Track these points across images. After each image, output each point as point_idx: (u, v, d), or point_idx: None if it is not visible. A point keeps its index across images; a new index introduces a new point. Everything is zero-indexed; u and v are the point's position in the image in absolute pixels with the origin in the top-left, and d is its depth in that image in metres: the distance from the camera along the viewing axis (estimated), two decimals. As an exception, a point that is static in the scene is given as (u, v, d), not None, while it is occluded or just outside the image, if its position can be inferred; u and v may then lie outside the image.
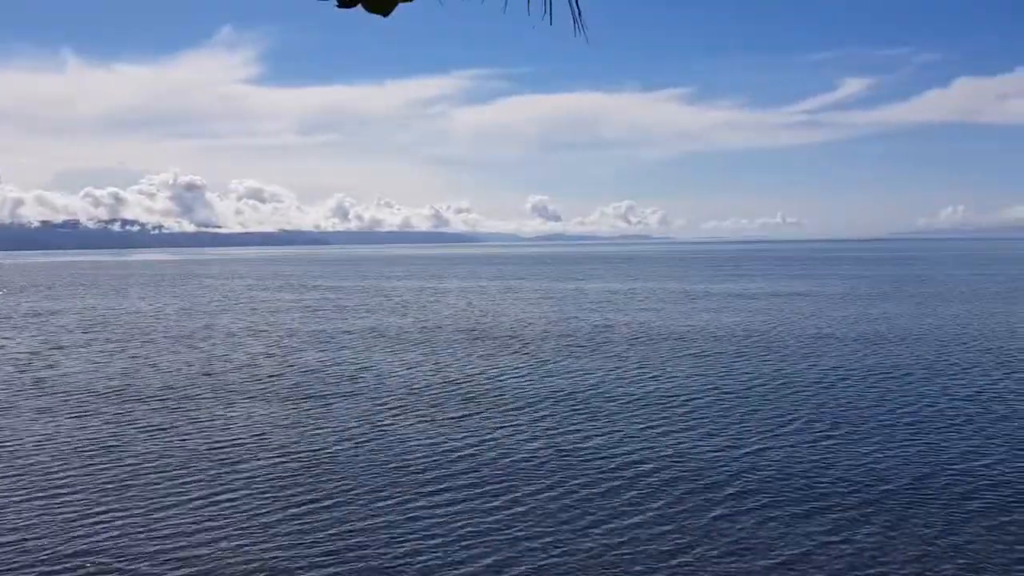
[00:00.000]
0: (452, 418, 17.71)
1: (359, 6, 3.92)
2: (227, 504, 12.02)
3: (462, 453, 14.68)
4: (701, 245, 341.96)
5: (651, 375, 22.44)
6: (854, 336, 29.67)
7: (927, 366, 23.17)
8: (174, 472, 13.60)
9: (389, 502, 12.10)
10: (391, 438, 15.83)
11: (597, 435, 15.79)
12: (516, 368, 24.01)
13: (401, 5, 4.15)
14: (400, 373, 23.35)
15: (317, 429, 16.62)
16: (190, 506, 11.93)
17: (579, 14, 4.22)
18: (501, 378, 22.36)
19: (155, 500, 12.20)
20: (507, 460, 14.22)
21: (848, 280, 66.16)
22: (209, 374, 23.40)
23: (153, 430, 16.57)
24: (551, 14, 4.10)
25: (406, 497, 12.31)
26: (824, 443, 14.98)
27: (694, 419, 17.16)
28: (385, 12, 4.11)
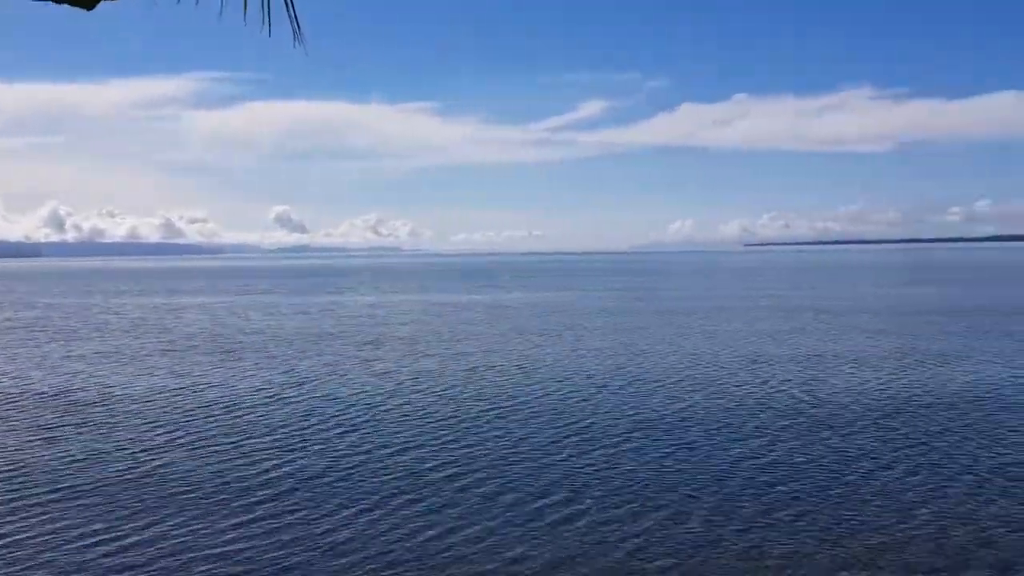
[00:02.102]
0: (191, 440, 15.26)
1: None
2: None
3: (197, 475, 11.99)
4: (453, 257, 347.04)
5: (421, 388, 20.57)
6: (611, 345, 29.59)
7: (652, 369, 23.22)
8: None
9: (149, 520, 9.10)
10: (123, 464, 12.84)
11: (380, 447, 13.70)
12: (271, 385, 21.22)
13: (106, 4, 3.98)
14: (144, 398, 19.87)
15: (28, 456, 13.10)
16: None
17: (298, 26, 4.21)
18: (254, 396, 19.66)
19: None
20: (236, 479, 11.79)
21: (603, 290, 68.39)
22: None
23: None
24: (270, 25, 4.10)
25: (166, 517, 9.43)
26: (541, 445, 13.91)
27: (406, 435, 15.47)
28: (89, 6, 3.95)
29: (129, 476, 13.80)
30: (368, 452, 15.28)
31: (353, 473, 13.95)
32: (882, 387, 21.49)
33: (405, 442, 16.01)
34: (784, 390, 21.19)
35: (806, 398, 20.14)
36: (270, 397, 20.77)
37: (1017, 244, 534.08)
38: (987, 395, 20.23)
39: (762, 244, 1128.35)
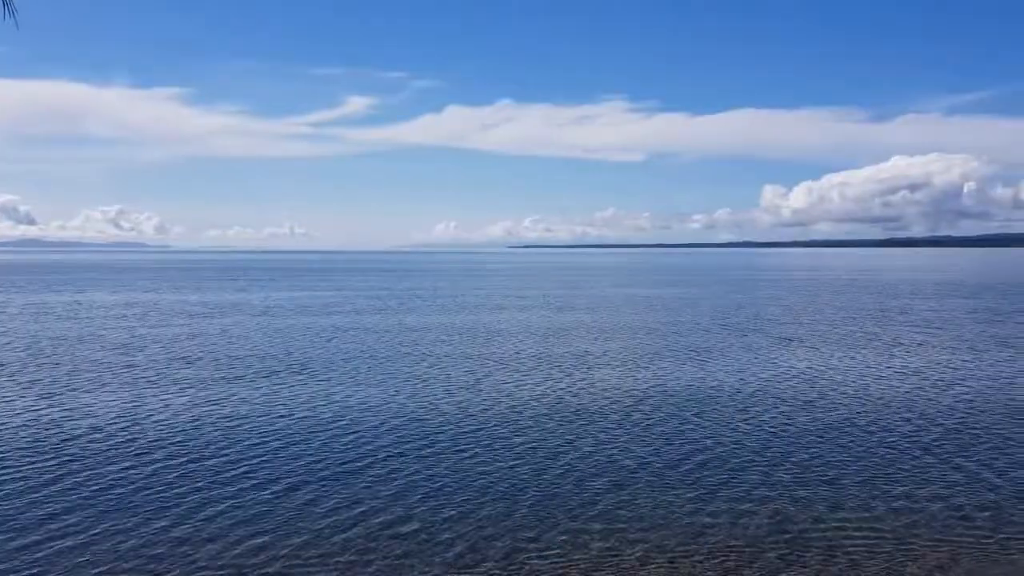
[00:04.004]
0: None
1: None
2: None
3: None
4: (205, 255, 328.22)
5: (170, 401, 18.79)
6: (385, 338, 28.94)
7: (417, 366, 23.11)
8: None
9: None
10: None
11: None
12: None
13: None
14: None
15: None
16: None
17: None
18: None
19: None
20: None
21: (369, 289, 67.12)
22: None
23: None
24: None
25: None
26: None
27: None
28: None
29: None
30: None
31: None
32: (638, 381, 22.33)
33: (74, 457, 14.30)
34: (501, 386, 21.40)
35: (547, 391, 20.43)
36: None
37: (750, 250, 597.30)
38: (718, 389, 21.60)
39: (525, 246, 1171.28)
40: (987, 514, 11.80)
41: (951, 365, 25.45)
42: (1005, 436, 16.30)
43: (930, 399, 20.04)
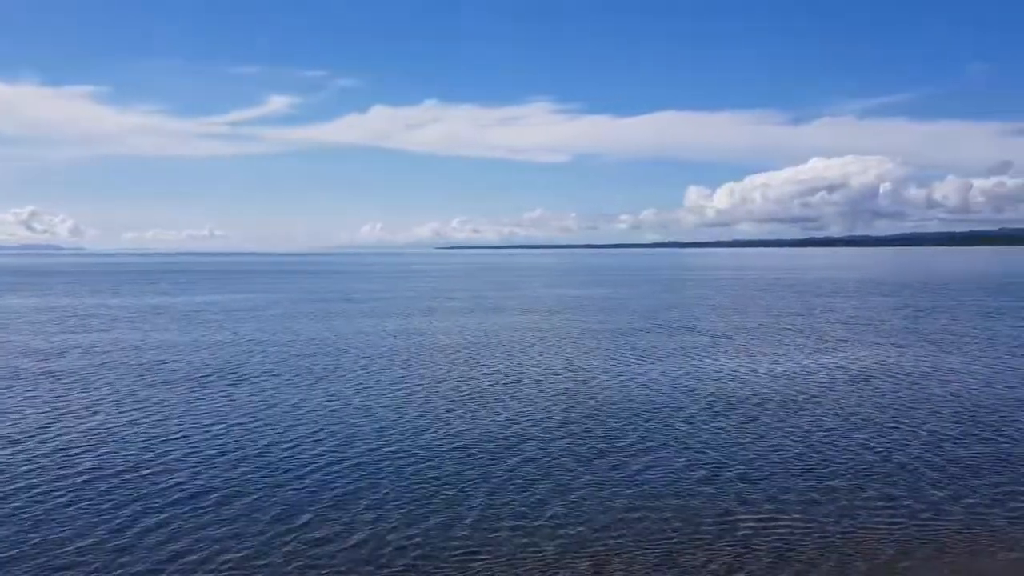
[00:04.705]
0: None
1: None
2: None
3: None
4: (123, 257, 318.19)
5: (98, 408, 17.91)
6: (295, 345, 28.28)
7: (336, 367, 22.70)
8: None
9: None
10: None
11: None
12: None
13: None
14: None
15: None
16: None
17: None
18: None
19: None
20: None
21: (294, 292, 65.76)
22: None
23: None
24: None
25: None
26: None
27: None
28: None
29: None
30: None
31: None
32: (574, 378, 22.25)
33: None
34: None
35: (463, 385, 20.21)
36: None
37: (676, 250, 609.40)
38: (646, 386, 21.70)
39: (454, 247, 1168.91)
40: (924, 507, 11.98)
41: (878, 361, 26.07)
42: (938, 431, 16.67)
43: (863, 396, 20.43)
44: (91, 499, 12.18)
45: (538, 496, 12.40)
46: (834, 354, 27.77)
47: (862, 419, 17.70)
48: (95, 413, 18.09)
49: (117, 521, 11.26)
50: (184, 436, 16.00)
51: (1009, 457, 14.73)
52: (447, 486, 12.85)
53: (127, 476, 13.32)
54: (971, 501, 12.30)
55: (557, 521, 11.35)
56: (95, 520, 11.29)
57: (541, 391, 20.84)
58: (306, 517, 11.43)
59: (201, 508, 11.81)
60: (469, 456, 14.59)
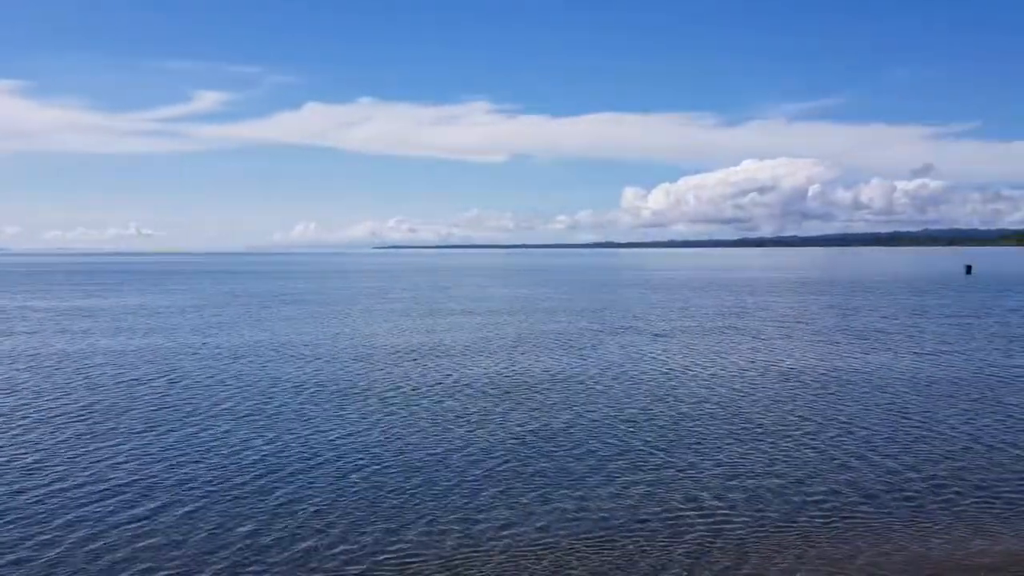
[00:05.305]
0: None
1: None
2: None
3: None
4: (44, 257, 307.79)
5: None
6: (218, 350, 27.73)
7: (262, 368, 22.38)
8: None
9: None
10: None
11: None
12: None
13: None
14: None
15: None
16: None
17: None
18: None
19: None
20: None
21: (224, 294, 64.41)
22: None
23: None
24: None
25: None
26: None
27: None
28: None
29: None
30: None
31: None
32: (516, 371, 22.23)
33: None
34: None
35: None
36: None
37: (612, 250, 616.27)
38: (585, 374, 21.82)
39: (390, 247, 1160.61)
40: (863, 500, 12.25)
41: (813, 358, 26.66)
42: (869, 428, 17.10)
43: (798, 393, 20.85)
44: (28, 507, 11.68)
45: (482, 500, 12.31)
46: (769, 352, 28.29)
47: (798, 416, 18.05)
48: (25, 417, 17.38)
49: (51, 530, 10.81)
50: (120, 441, 15.47)
51: (939, 450, 15.17)
52: (392, 493, 12.67)
53: (65, 480, 12.82)
54: (910, 493, 12.63)
55: (501, 523, 11.28)
56: (35, 530, 10.82)
57: (481, 391, 20.75)
58: (249, 526, 11.13)
59: (137, 517, 11.41)
60: (412, 461, 14.42)
